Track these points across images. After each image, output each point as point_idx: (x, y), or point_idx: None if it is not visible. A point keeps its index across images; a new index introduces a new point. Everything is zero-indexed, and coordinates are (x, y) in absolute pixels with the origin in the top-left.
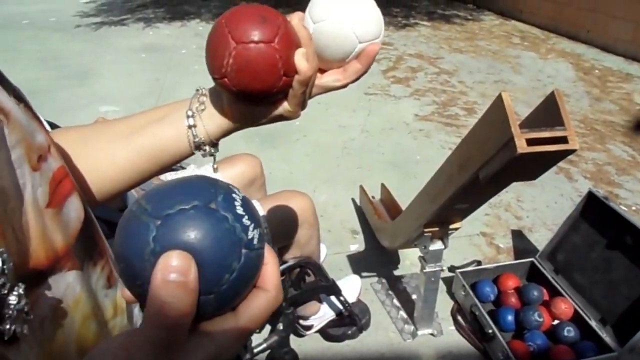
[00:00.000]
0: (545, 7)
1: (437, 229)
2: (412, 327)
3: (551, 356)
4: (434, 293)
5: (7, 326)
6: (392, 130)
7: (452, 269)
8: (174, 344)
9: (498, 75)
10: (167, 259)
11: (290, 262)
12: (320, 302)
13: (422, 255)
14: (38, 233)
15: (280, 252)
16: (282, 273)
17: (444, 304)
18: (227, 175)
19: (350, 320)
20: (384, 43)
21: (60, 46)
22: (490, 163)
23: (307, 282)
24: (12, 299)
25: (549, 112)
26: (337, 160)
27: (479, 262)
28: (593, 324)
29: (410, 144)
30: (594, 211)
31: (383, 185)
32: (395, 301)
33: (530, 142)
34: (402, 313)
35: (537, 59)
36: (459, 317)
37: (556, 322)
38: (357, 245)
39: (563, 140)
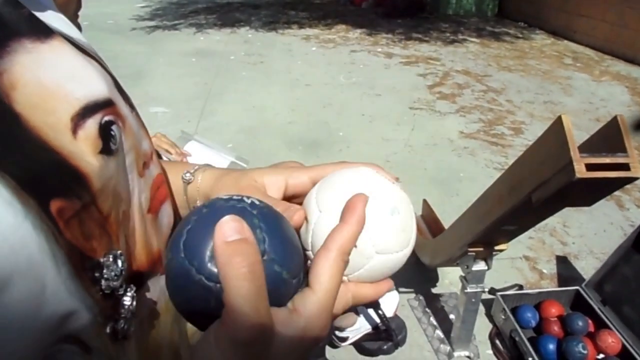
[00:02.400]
0: (600, 28)
1: (481, 249)
2: (448, 348)
3: None
4: (474, 314)
5: (122, 326)
6: (435, 147)
7: (492, 291)
8: (258, 303)
9: (547, 95)
10: (220, 227)
11: None
12: (357, 314)
13: (463, 275)
14: (141, 237)
15: None
16: None
17: (482, 326)
18: None
19: (387, 334)
20: (431, 58)
21: (117, 47)
22: (545, 186)
23: None
24: (127, 300)
25: (610, 138)
26: None
27: (520, 287)
28: None
29: (454, 161)
30: None
31: (425, 201)
32: (432, 319)
33: (590, 167)
34: (439, 332)
35: (590, 80)
36: (497, 342)
37: (601, 356)
38: None
39: (625, 167)
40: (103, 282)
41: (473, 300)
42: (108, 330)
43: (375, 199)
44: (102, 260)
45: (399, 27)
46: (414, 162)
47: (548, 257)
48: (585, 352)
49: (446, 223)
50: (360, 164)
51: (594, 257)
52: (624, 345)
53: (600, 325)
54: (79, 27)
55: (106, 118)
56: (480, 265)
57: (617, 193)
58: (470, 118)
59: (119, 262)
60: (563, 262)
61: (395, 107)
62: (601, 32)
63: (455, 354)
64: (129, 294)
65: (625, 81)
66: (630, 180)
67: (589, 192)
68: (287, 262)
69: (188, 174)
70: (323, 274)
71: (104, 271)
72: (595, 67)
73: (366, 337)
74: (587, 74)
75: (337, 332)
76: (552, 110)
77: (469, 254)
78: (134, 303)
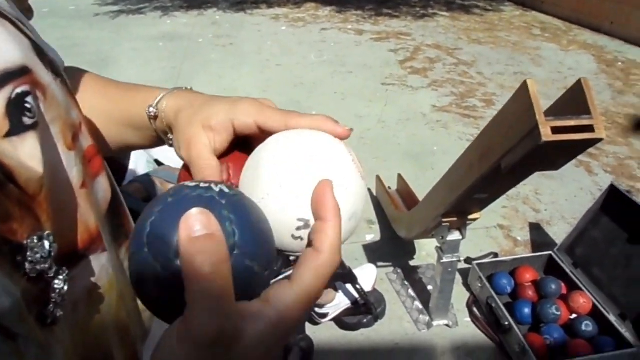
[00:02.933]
0: None
1: (455, 219)
2: (427, 318)
3: (568, 350)
4: (451, 284)
5: (51, 310)
6: (409, 121)
7: (468, 260)
8: (221, 304)
9: (518, 67)
10: (185, 221)
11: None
12: (336, 290)
13: (439, 245)
14: (74, 214)
15: None
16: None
17: (459, 295)
18: None
19: (366, 308)
20: (402, 33)
21: (80, 34)
22: (513, 152)
23: None
24: (58, 283)
25: (575, 101)
26: (354, 151)
27: (495, 255)
28: (612, 319)
29: (427, 135)
30: (616, 205)
31: (400, 176)
32: (411, 291)
33: (556, 130)
34: (418, 303)
35: (558, 50)
36: (475, 309)
37: (574, 316)
38: (373, 235)
39: (589, 129)
40: (27, 265)
41: (449, 270)
42: (35, 315)
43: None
44: (25, 242)
45: (369, 4)
46: (387, 138)
47: (521, 225)
48: (558, 313)
49: (421, 196)
50: (317, 118)
51: (566, 223)
52: (594, 305)
53: (573, 287)
54: (29, 10)
55: (19, 89)
56: (455, 235)
57: (585, 159)
58: (442, 92)
59: (46, 243)
60: (536, 228)
61: (368, 84)
62: (568, 2)
63: (434, 323)
64: (60, 276)
65: (592, 50)
66: (595, 141)
67: (556, 156)
68: (259, 255)
69: (152, 109)
70: (308, 275)
71: (28, 254)
72: (563, 37)
73: (346, 312)
74: (555, 44)
75: (316, 309)
76: (522, 81)
77: (443, 224)
78: (66, 286)
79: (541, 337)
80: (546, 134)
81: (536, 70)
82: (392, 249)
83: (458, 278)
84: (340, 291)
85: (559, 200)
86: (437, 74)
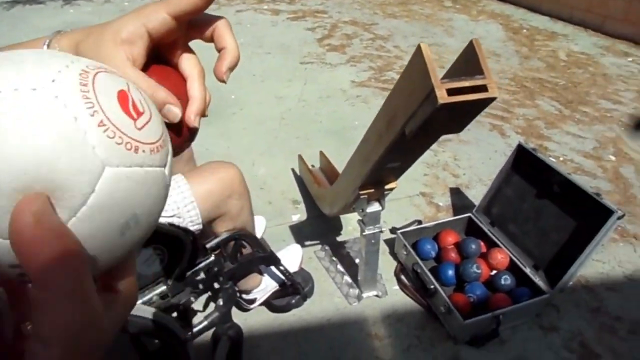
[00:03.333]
0: None
1: (372, 190)
2: (357, 291)
3: (490, 304)
4: (376, 255)
5: None
6: (329, 98)
7: (393, 230)
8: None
9: (432, 38)
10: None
11: (224, 235)
12: (261, 274)
13: (360, 218)
14: None
15: (212, 226)
16: (217, 247)
17: (387, 265)
18: None
19: (294, 289)
20: (318, 11)
21: None
22: (415, 117)
23: (244, 255)
24: None
25: (469, 63)
26: (275, 132)
27: (419, 222)
28: (527, 270)
29: (348, 110)
30: (524, 163)
31: (321, 153)
32: (340, 267)
33: (451, 92)
34: (347, 278)
35: (469, 21)
36: (402, 277)
37: (494, 272)
38: (298, 215)
39: (483, 88)
40: None
41: (373, 241)
42: None
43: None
44: None
45: None
46: (309, 116)
47: (442, 191)
48: (479, 271)
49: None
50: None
51: (483, 184)
52: (511, 259)
53: (491, 244)
54: None
55: None
56: (374, 207)
57: (498, 123)
58: (360, 67)
59: None
60: (456, 193)
61: (286, 64)
62: None
63: (364, 295)
64: None
65: (500, 19)
66: (490, 100)
67: (456, 118)
68: None
69: None
70: None
71: None
72: (472, 8)
73: (275, 295)
74: (465, 15)
75: (244, 296)
76: (437, 51)
77: (361, 197)
78: None
79: (465, 296)
80: (442, 97)
81: (449, 41)
82: (318, 227)
83: (385, 248)
84: (265, 275)
85: (475, 164)
86: (355, 50)
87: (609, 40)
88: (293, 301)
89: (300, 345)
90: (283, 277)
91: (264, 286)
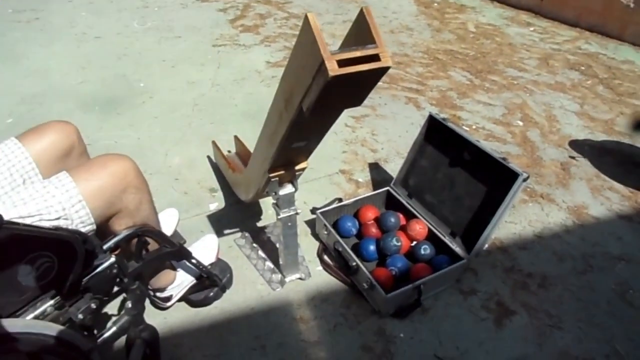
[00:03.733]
0: None
1: (282, 172)
2: (279, 276)
3: (412, 275)
4: (294, 238)
5: None
6: (244, 81)
7: (313, 210)
8: None
9: (346, 15)
10: None
11: (124, 233)
12: (175, 269)
13: (274, 201)
14: None
15: (109, 224)
16: (116, 247)
17: (310, 246)
18: (35, 148)
19: (211, 281)
20: None
21: None
22: (309, 92)
23: (149, 252)
24: None
25: (361, 32)
26: (189, 119)
27: (340, 200)
28: (445, 239)
29: (264, 92)
30: (436, 134)
31: (236, 138)
32: (261, 253)
33: (342, 63)
34: (269, 263)
35: None
36: (325, 257)
37: (414, 243)
38: (216, 203)
39: (375, 58)
40: None
41: (289, 224)
42: None
43: None
44: None
45: None
46: (223, 101)
47: (362, 167)
48: (399, 244)
49: None
50: None
51: (401, 157)
52: (429, 229)
53: (410, 216)
54: None
55: None
56: (287, 189)
57: (413, 96)
58: (275, 47)
59: None
60: (375, 168)
61: (198, 47)
62: None
63: (287, 279)
64: None
65: None
66: (384, 70)
67: (352, 90)
68: None
69: None
70: None
71: None
72: None
73: (192, 290)
74: None
75: (158, 294)
76: None
77: (272, 180)
78: None
79: (387, 270)
80: (332, 68)
81: None
82: (237, 214)
83: (307, 229)
84: (179, 270)
85: (393, 137)
86: (269, 30)
87: (513, 11)
88: (211, 294)
89: (224, 338)
90: (197, 271)
91: (179, 282)
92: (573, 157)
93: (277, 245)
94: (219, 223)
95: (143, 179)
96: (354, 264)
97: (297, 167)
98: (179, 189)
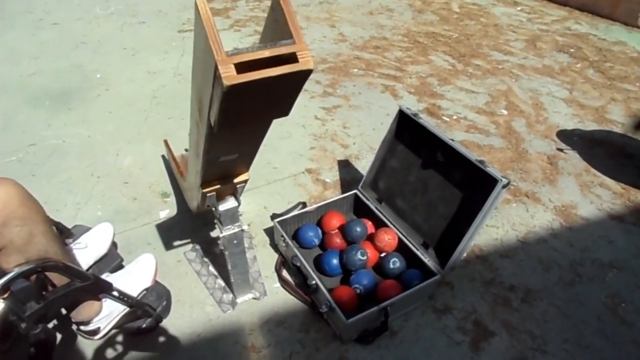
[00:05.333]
0: None
1: (218, 186)
2: (231, 296)
3: (378, 293)
4: (242, 256)
5: None
6: None
7: (274, 217)
8: None
9: None
10: None
11: (14, 272)
12: (99, 299)
13: (216, 217)
14: None
15: None
16: (5, 289)
17: (268, 258)
18: None
19: (143, 311)
20: None
21: None
22: (212, 103)
23: (55, 288)
24: None
25: (278, 24)
26: (145, 114)
27: (304, 204)
28: (417, 252)
29: None
30: (407, 131)
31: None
32: (212, 268)
33: (244, 67)
34: (220, 281)
35: None
36: (284, 272)
37: (383, 254)
38: (167, 210)
39: (292, 58)
40: None
41: (235, 241)
42: None
43: None
44: None
45: None
46: (185, 93)
47: (330, 165)
48: (364, 258)
49: None
50: None
51: (373, 154)
52: (400, 239)
53: (379, 224)
54: None
55: None
56: (228, 204)
57: (390, 83)
58: (245, 31)
59: None
60: (345, 166)
61: (163, 33)
62: None
63: (239, 300)
64: None
65: None
66: (304, 74)
67: (269, 99)
68: None
69: None
70: None
71: None
72: None
73: (126, 318)
74: None
75: (82, 327)
76: (328, 10)
77: (208, 195)
78: None
79: (350, 288)
80: (228, 75)
81: None
82: (189, 223)
83: (266, 239)
84: (106, 299)
85: (367, 130)
86: (240, 13)
87: None
88: (144, 325)
89: None
90: (122, 303)
91: (108, 312)
92: (561, 150)
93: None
94: (169, 233)
95: (33, 205)
96: (313, 282)
97: (236, 180)
98: (128, 194)
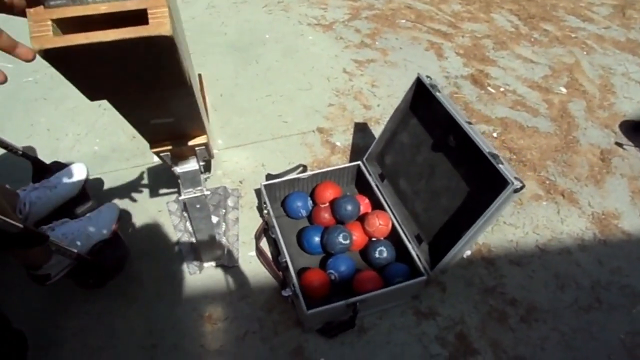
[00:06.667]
0: None
1: (169, 147)
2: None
3: (354, 284)
4: (206, 221)
5: None
6: (245, 4)
7: (268, 177)
8: None
9: None
10: None
11: None
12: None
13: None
14: None
15: None
16: None
17: (252, 223)
18: None
19: (93, 266)
20: None
21: None
22: None
23: None
24: None
25: None
26: None
27: (304, 168)
28: (409, 245)
29: (263, 20)
30: (423, 103)
31: (199, 77)
32: (189, 225)
33: (70, 25)
34: (194, 239)
35: None
36: (264, 240)
37: (373, 239)
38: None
39: (140, 18)
40: None
41: (197, 206)
42: None
43: None
44: None
45: None
46: (213, 27)
47: (345, 126)
48: (346, 242)
49: (237, 98)
50: None
51: None
52: (393, 227)
53: (377, 204)
54: None
55: None
56: (188, 166)
57: (438, 40)
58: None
59: None
60: (361, 129)
61: None
62: None
63: (205, 264)
64: None
65: None
66: (157, 42)
67: (131, 70)
68: None
69: None
70: None
71: None
72: None
73: (78, 270)
74: None
75: (32, 272)
76: None
77: (161, 154)
78: None
79: (325, 273)
80: (41, 37)
81: None
82: None
83: (254, 201)
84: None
85: (396, 92)
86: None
87: None
88: (91, 281)
89: (115, 326)
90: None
91: (56, 261)
92: (620, 145)
93: (213, 217)
94: (157, 179)
95: None
96: (284, 260)
97: (192, 143)
98: (128, 132)
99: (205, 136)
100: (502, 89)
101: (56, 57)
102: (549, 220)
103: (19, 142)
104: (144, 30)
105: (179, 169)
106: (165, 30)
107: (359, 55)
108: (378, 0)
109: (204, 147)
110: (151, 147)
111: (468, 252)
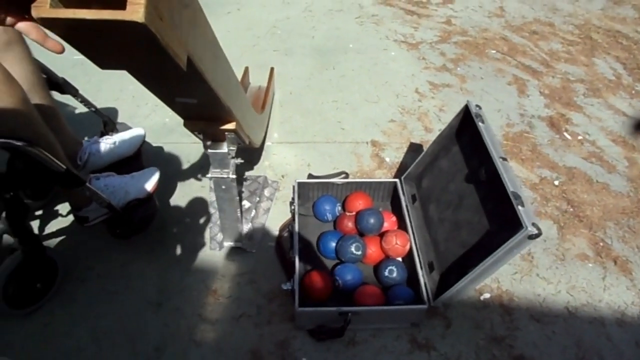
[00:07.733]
0: None
1: (201, 125)
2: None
3: (356, 296)
4: (231, 203)
5: None
6: (340, 13)
7: (309, 177)
8: None
9: None
10: None
11: None
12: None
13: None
14: None
15: None
16: None
17: (283, 215)
18: None
19: (124, 219)
20: None
21: None
22: None
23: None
24: None
25: None
26: (256, 40)
27: (346, 175)
28: (420, 271)
29: (351, 29)
30: (468, 131)
31: (271, 70)
32: None
33: (71, 1)
34: None
35: None
36: (286, 234)
37: (387, 258)
38: None
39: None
40: None
41: (223, 187)
42: None
43: None
44: None
45: None
46: (303, 30)
47: (400, 144)
48: (358, 252)
49: (305, 98)
50: None
51: None
52: (411, 249)
53: (402, 224)
54: None
55: None
56: (218, 147)
57: (524, 76)
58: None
59: None
60: (415, 150)
61: None
62: None
63: (225, 243)
64: None
65: None
66: (130, 27)
67: (121, 47)
68: None
69: None
70: None
71: None
72: None
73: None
74: None
75: (74, 212)
76: None
77: (195, 131)
78: None
79: (330, 278)
80: (40, 7)
81: None
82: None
83: (290, 196)
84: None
85: None
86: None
87: None
88: (118, 230)
89: (132, 276)
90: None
91: (95, 207)
92: None
93: (244, 203)
94: (205, 158)
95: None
96: (292, 256)
97: (223, 127)
98: None
99: (234, 123)
100: (579, 137)
101: (52, 27)
102: (590, 284)
103: (107, 104)
104: (118, 14)
105: (209, 149)
106: (137, 17)
107: (436, 78)
108: (474, 27)
109: (233, 133)
110: (184, 124)
111: (487, 295)
